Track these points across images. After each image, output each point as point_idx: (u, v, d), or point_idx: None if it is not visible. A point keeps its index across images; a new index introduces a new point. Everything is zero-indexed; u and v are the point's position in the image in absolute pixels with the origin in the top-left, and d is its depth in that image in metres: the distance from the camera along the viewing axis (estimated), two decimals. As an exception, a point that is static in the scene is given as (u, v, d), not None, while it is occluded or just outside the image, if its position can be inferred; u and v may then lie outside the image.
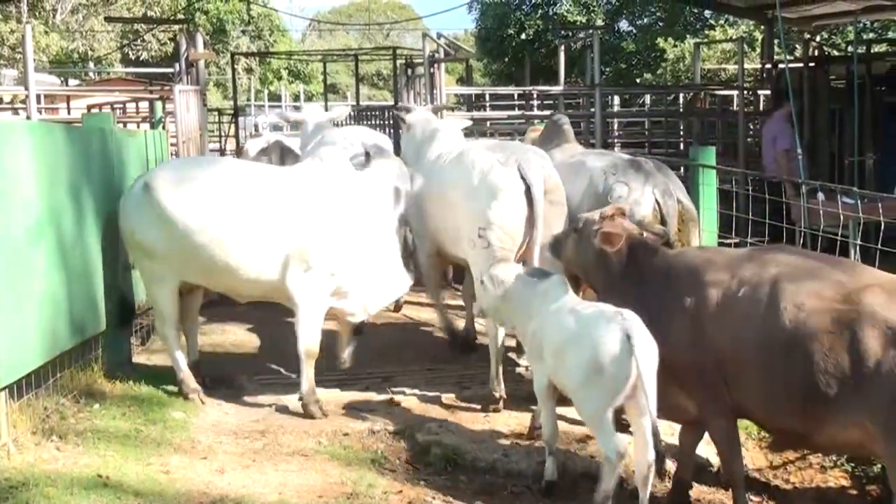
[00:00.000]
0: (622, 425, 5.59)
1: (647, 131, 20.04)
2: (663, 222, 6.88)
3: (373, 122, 15.30)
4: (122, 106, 18.85)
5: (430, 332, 9.46)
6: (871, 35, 22.72)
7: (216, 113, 23.49)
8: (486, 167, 6.99)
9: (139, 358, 8.28)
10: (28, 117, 12.31)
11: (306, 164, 7.84)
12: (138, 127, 15.85)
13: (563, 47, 19.07)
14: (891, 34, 23.33)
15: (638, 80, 28.86)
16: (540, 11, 29.47)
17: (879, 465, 5.77)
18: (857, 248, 7.84)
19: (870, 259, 6.79)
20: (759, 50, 20.63)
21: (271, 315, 9.59)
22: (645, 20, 32.47)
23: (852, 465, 6.18)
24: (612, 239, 5.64)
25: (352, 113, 19.33)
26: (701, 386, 5.31)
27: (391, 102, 21.63)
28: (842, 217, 7.60)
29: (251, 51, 41.38)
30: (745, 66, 16.33)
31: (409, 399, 7.29)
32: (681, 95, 20.63)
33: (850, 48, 16.43)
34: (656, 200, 6.96)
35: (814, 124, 14.46)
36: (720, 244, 7.86)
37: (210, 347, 8.55)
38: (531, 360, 6.09)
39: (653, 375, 5.13)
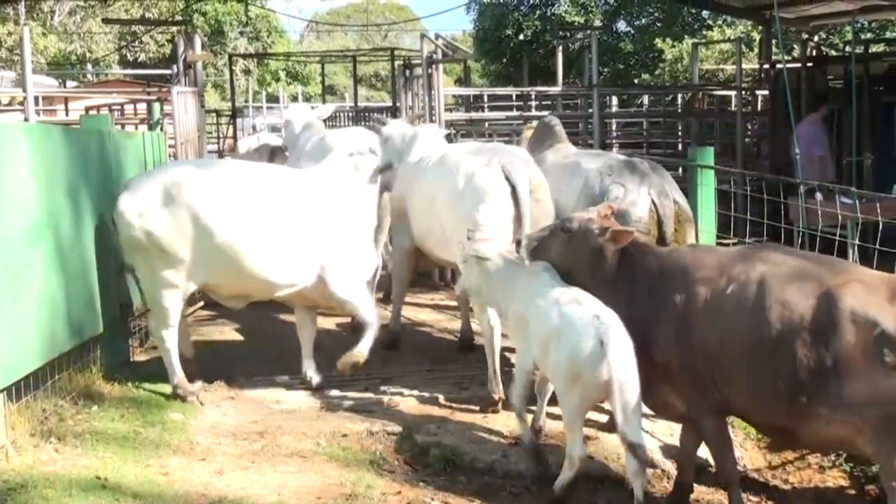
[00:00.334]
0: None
1: (646, 132, 20.04)
2: (660, 223, 6.89)
3: (371, 124, 15.28)
4: (119, 107, 18.88)
5: (428, 333, 9.45)
6: (869, 35, 22.75)
7: (214, 114, 23.50)
8: (470, 170, 7.12)
9: (138, 359, 8.27)
10: (26, 119, 12.31)
11: (324, 166, 7.93)
12: (136, 128, 15.87)
13: (560, 48, 19.11)
14: (888, 34, 23.35)
15: (636, 81, 28.88)
16: (538, 12, 29.47)
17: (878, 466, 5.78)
18: (856, 248, 7.84)
19: (868, 259, 6.80)
20: (756, 50, 20.66)
21: (269, 315, 9.61)
22: (643, 21, 32.50)
23: (851, 465, 6.18)
24: (623, 237, 5.65)
25: (351, 114, 19.43)
26: (690, 383, 5.35)
27: (389, 104, 21.66)
28: (840, 217, 7.61)
29: (249, 52, 41.40)
30: (743, 66, 16.34)
31: (408, 400, 7.29)
32: (679, 96, 20.64)
33: (847, 48, 16.44)
34: (652, 201, 6.97)
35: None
36: (718, 244, 7.86)
37: (208, 348, 8.53)
38: (515, 339, 6.20)
39: (632, 376, 5.27)
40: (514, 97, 21.00)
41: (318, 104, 28.79)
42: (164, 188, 7.07)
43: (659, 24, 31.28)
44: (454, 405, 7.23)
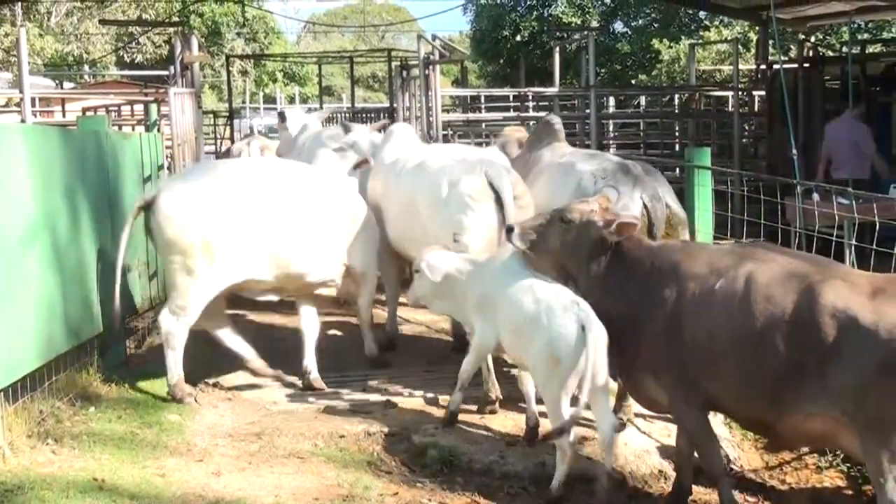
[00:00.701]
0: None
1: (643, 132, 20.05)
2: (650, 227, 6.90)
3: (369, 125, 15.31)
4: (116, 108, 18.87)
5: (426, 333, 9.45)
6: (866, 35, 22.78)
7: (211, 115, 23.52)
8: (454, 177, 7.23)
9: (135, 361, 8.26)
10: (23, 120, 12.30)
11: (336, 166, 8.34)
12: (133, 129, 15.86)
13: (557, 49, 19.09)
14: (885, 35, 23.38)
15: (633, 82, 28.91)
16: (535, 13, 29.51)
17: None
18: (853, 248, 7.84)
19: (865, 259, 6.81)
20: (753, 51, 20.64)
21: (266, 317, 9.61)
22: (640, 21, 32.53)
23: (848, 465, 6.18)
24: (628, 228, 5.68)
25: (348, 115, 19.44)
26: (676, 378, 5.38)
27: (387, 104, 21.67)
28: (837, 217, 7.61)
29: (246, 53, 41.39)
30: (740, 66, 16.35)
31: (405, 401, 7.28)
32: (676, 96, 20.66)
33: (844, 49, 16.46)
34: (644, 205, 6.99)
35: (808, 125, 14.47)
36: (715, 245, 7.86)
37: (205, 349, 8.52)
38: (476, 320, 6.29)
39: (605, 361, 5.54)
40: (511, 98, 21.02)
41: (314, 105, 28.84)
42: (208, 187, 7.20)
43: (656, 25, 31.31)
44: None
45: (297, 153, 9.92)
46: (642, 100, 22.64)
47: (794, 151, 9.61)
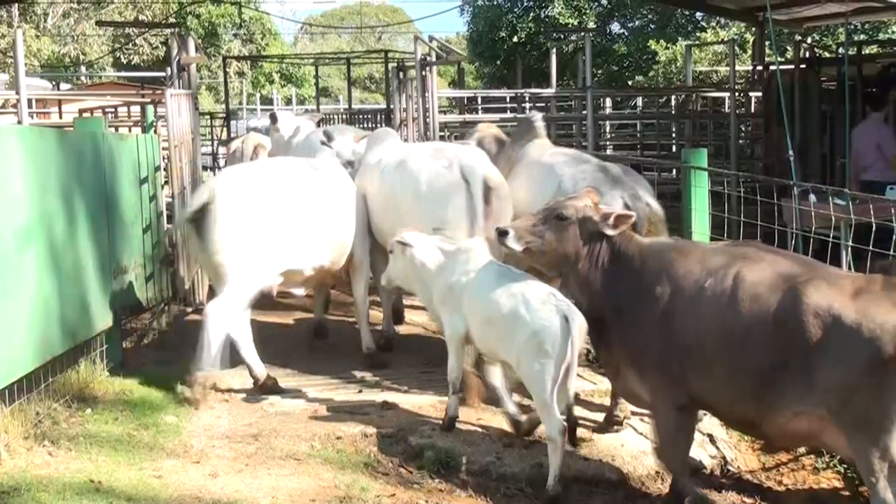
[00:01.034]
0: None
1: (639, 133, 20.06)
2: (633, 226, 6.97)
3: (366, 126, 15.33)
4: (113, 110, 18.87)
5: (422, 334, 9.44)
6: (862, 36, 22.80)
7: (208, 117, 23.50)
8: (432, 175, 7.66)
9: (131, 362, 8.24)
10: (19, 121, 12.28)
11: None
12: (130, 131, 15.86)
13: (554, 50, 19.10)
14: (881, 35, 23.39)
15: (630, 83, 28.93)
16: (531, 14, 29.52)
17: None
18: (849, 249, 7.85)
19: (862, 260, 6.82)
20: (750, 52, 20.64)
21: (265, 318, 9.60)
22: (636, 22, 32.57)
23: (845, 466, 6.19)
24: (625, 221, 5.75)
25: (345, 116, 19.43)
26: (659, 374, 5.45)
27: (383, 105, 21.66)
28: (833, 218, 7.61)
29: (243, 54, 41.38)
30: (737, 67, 16.37)
31: (402, 402, 7.28)
32: (673, 97, 20.65)
33: (841, 50, 16.46)
34: (626, 204, 7.07)
35: (805, 126, 14.47)
36: (712, 246, 7.87)
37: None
38: (442, 313, 6.50)
39: (577, 351, 5.74)
40: (507, 99, 20.99)
41: (311, 107, 28.81)
42: (261, 185, 7.60)
43: (652, 26, 31.35)
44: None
45: (291, 155, 10.08)
46: (639, 101, 22.60)
47: (791, 152, 9.60)
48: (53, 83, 26.95)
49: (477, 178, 7.46)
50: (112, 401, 7.15)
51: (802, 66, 15.23)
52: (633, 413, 6.75)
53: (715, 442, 6.54)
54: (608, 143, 19.25)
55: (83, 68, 35.98)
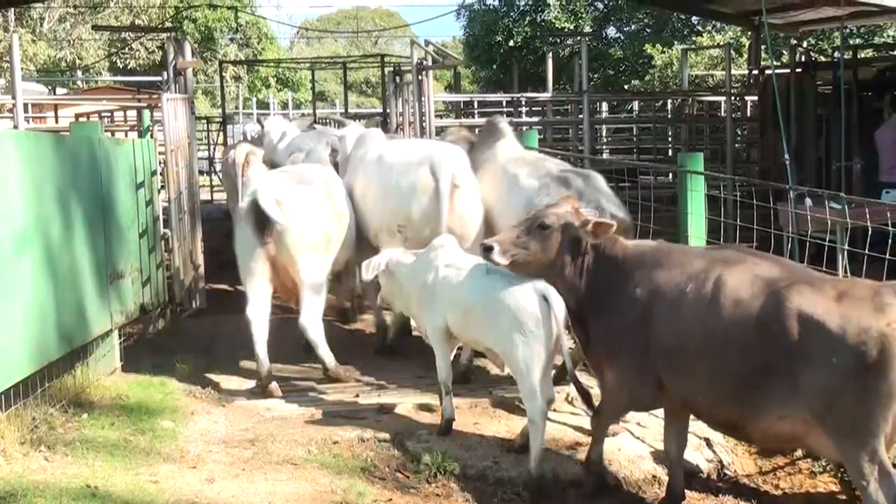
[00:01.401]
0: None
1: (636, 137, 20.09)
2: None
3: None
4: (109, 114, 18.85)
5: (420, 339, 9.43)
6: (858, 40, 22.83)
7: (204, 121, 23.48)
8: (402, 168, 7.84)
9: (128, 367, 8.24)
10: (15, 126, 12.27)
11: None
12: (126, 135, 15.83)
13: (551, 54, 19.13)
14: (877, 39, 23.43)
15: (626, 87, 28.95)
16: (528, 18, 29.52)
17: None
18: (845, 253, 7.86)
19: (858, 264, 6.83)
20: (746, 56, 20.71)
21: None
22: (632, 27, 32.59)
23: (842, 470, 6.19)
24: (604, 229, 5.78)
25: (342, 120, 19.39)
26: (630, 372, 5.55)
27: (380, 109, 21.66)
28: (829, 222, 7.63)
29: (239, 59, 41.34)
30: (733, 71, 16.40)
31: (399, 406, 7.28)
32: (669, 101, 20.69)
33: (836, 54, 16.48)
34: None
35: (801, 130, 14.49)
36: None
37: (198, 356, 8.52)
38: (420, 311, 6.69)
39: (563, 331, 5.89)
40: (504, 103, 21.01)
41: (308, 111, 28.81)
42: (315, 190, 7.94)
43: (649, 30, 31.37)
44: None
45: (279, 158, 10.32)
46: (635, 105, 22.64)
47: (787, 156, 9.62)
48: (49, 88, 26.91)
49: (445, 177, 7.56)
50: (108, 406, 7.14)
51: (798, 70, 15.25)
52: (630, 418, 6.74)
53: (712, 446, 6.54)
54: (604, 147, 19.29)
55: (79, 73, 35.90)
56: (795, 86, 14.67)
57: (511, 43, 28.80)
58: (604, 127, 20.05)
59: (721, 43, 24.37)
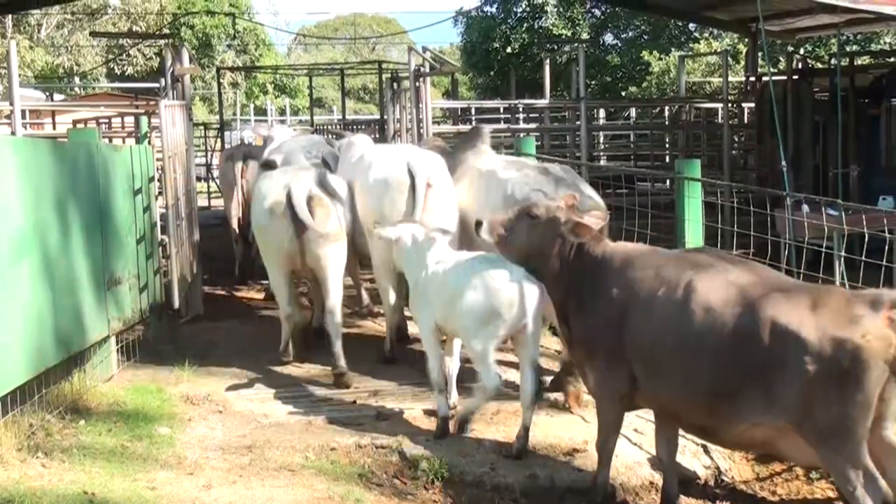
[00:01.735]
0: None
1: (633, 144, 20.10)
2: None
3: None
4: (107, 121, 18.84)
5: (417, 345, 9.43)
6: (855, 47, 22.87)
7: (202, 127, 23.51)
8: (379, 168, 8.10)
9: (125, 373, 8.24)
10: (13, 132, 12.26)
11: None
12: (124, 142, 15.84)
13: (548, 61, 19.14)
14: (873, 46, 23.48)
15: (623, 94, 29.00)
16: (525, 25, 29.56)
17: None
18: (842, 259, 7.87)
19: (855, 270, 6.84)
20: (743, 63, 20.71)
21: (259, 329, 9.61)
22: (630, 33, 32.66)
23: (837, 475, 6.19)
24: (584, 230, 5.85)
25: (339, 127, 19.43)
26: (607, 369, 5.58)
27: (377, 116, 21.68)
28: (826, 229, 7.65)
29: (237, 65, 41.39)
30: (730, 78, 16.40)
31: (397, 413, 7.27)
32: (666, 108, 20.71)
33: (833, 60, 16.52)
34: None
35: (798, 136, 14.52)
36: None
37: (196, 362, 8.51)
38: (414, 308, 6.98)
39: (538, 315, 6.24)
40: (501, 110, 21.05)
41: (305, 117, 28.81)
42: (339, 182, 8.44)
43: (646, 37, 31.42)
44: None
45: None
46: (632, 111, 22.68)
47: (784, 163, 9.64)
48: (47, 94, 26.91)
49: (421, 176, 7.78)
50: (106, 412, 7.13)
51: (795, 76, 15.29)
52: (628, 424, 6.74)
53: (709, 452, 6.54)
54: (602, 153, 19.30)
55: (77, 79, 35.96)
56: (792, 93, 14.71)
57: (508, 50, 28.84)
58: (601, 133, 20.06)
59: (718, 50, 24.37)
